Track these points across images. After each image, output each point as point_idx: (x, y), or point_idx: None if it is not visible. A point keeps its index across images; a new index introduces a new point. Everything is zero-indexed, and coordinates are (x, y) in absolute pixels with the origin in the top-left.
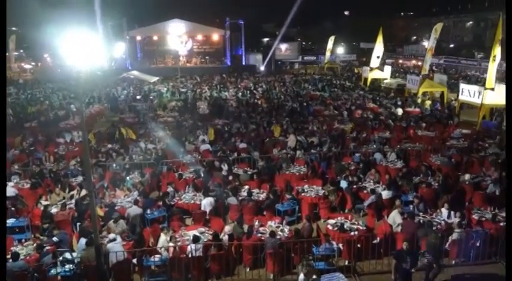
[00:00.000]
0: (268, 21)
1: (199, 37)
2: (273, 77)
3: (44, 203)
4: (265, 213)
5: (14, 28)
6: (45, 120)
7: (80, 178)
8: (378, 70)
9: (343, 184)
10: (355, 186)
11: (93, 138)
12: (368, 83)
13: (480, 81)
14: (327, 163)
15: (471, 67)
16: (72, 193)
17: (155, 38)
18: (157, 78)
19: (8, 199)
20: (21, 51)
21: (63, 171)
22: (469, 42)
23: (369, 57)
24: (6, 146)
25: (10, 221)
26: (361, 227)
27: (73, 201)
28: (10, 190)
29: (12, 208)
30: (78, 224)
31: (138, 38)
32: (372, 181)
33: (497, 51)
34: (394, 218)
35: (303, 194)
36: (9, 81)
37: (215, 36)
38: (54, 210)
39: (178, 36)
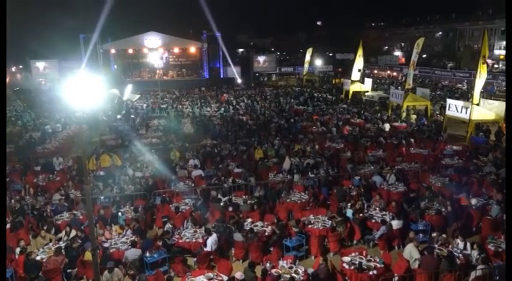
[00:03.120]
0: (242, 32)
1: (176, 50)
2: (253, 90)
3: (25, 247)
4: (272, 249)
5: None
6: (20, 145)
7: (66, 215)
8: (359, 83)
9: (349, 213)
10: (361, 214)
11: (74, 164)
12: (350, 96)
13: (457, 93)
14: (328, 188)
15: (445, 77)
16: (60, 235)
17: (130, 51)
18: (139, 96)
19: None
20: None
21: (47, 207)
22: (439, 52)
23: (344, 68)
24: None
25: None
26: (378, 265)
27: (62, 244)
28: None
29: None
30: (68, 271)
31: (112, 51)
32: (377, 208)
33: (483, 68)
34: (411, 252)
35: (309, 226)
36: None
37: (192, 49)
38: (40, 257)
39: (154, 49)
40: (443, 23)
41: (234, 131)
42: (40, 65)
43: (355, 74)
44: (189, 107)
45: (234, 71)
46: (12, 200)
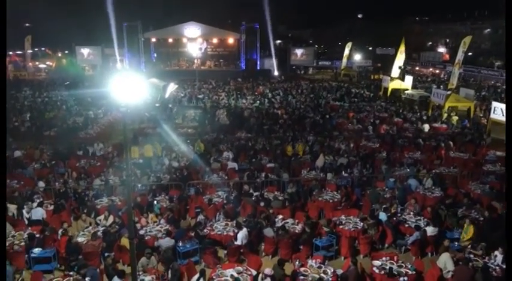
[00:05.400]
0: (280, 23)
1: (215, 40)
2: (289, 83)
3: (67, 229)
4: (301, 247)
5: (27, 24)
6: (64, 129)
7: (105, 200)
8: (399, 80)
9: (382, 216)
10: (394, 218)
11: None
12: (388, 94)
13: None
14: (361, 189)
15: (492, 77)
16: (99, 217)
17: (170, 40)
18: (176, 86)
19: (35, 224)
20: (36, 49)
21: (88, 191)
22: (486, 49)
23: (384, 64)
24: (26, 159)
25: (36, 251)
26: (410, 271)
27: (100, 229)
28: (38, 213)
29: (38, 235)
30: (106, 255)
31: (153, 40)
32: (411, 213)
33: None
34: (446, 262)
35: (340, 226)
36: (25, 82)
37: (230, 40)
38: (80, 239)
39: (193, 39)
40: (493, 19)
41: (269, 125)
42: (84, 51)
43: (395, 71)
44: (225, 98)
45: (274, 63)
46: (57, 183)
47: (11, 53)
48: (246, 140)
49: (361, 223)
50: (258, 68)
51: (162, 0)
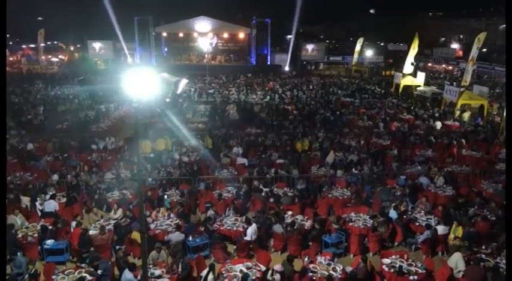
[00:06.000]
0: (291, 18)
1: (225, 35)
2: (300, 78)
3: (80, 220)
4: (310, 244)
5: (40, 18)
6: (76, 123)
7: (116, 193)
8: (411, 76)
9: (393, 214)
10: (404, 216)
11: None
12: (400, 90)
13: None
14: (371, 186)
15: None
16: (110, 214)
17: (181, 34)
18: (187, 81)
19: (48, 216)
20: (49, 43)
21: (100, 185)
22: (501, 46)
23: (396, 60)
24: (39, 151)
25: (49, 243)
26: (420, 270)
27: (111, 222)
28: (50, 205)
29: (51, 227)
30: (117, 248)
31: (164, 34)
32: (422, 211)
33: None
34: (457, 262)
35: (350, 223)
36: (38, 75)
37: (241, 35)
38: (92, 232)
39: (204, 34)
40: None
41: (279, 121)
42: (96, 45)
43: (408, 67)
44: (235, 93)
45: (282, 58)
46: (69, 176)
47: (24, 46)
48: (256, 136)
49: (371, 221)
50: (269, 63)
51: None
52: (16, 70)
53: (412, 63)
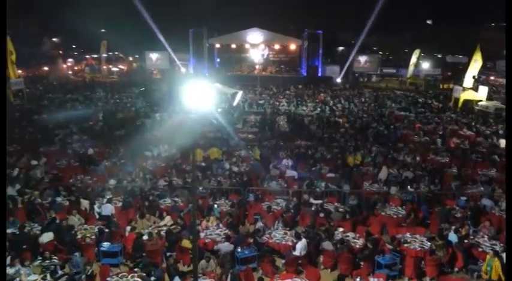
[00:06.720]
0: (344, 29)
1: (276, 46)
2: (352, 91)
3: (135, 226)
4: (362, 264)
5: (103, 30)
6: (132, 130)
7: (168, 201)
8: (472, 90)
9: (453, 237)
10: (466, 241)
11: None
12: (460, 104)
13: None
14: (428, 206)
15: None
16: (163, 222)
17: (233, 46)
18: (241, 92)
19: (103, 219)
20: (110, 53)
21: (153, 191)
22: None
23: (455, 72)
24: (98, 156)
25: (105, 245)
26: None
27: (163, 228)
28: (107, 209)
29: (107, 230)
30: (168, 255)
31: (217, 45)
32: (486, 236)
33: None
34: None
35: (405, 245)
36: (99, 84)
37: (292, 46)
38: (144, 238)
39: (256, 45)
40: None
41: (329, 133)
42: (153, 56)
43: (469, 81)
44: (285, 104)
45: (333, 70)
46: (125, 181)
47: (88, 56)
48: (306, 148)
49: (429, 243)
50: (320, 74)
51: (227, 6)
52: (80, 78)
53: (474, 77)
